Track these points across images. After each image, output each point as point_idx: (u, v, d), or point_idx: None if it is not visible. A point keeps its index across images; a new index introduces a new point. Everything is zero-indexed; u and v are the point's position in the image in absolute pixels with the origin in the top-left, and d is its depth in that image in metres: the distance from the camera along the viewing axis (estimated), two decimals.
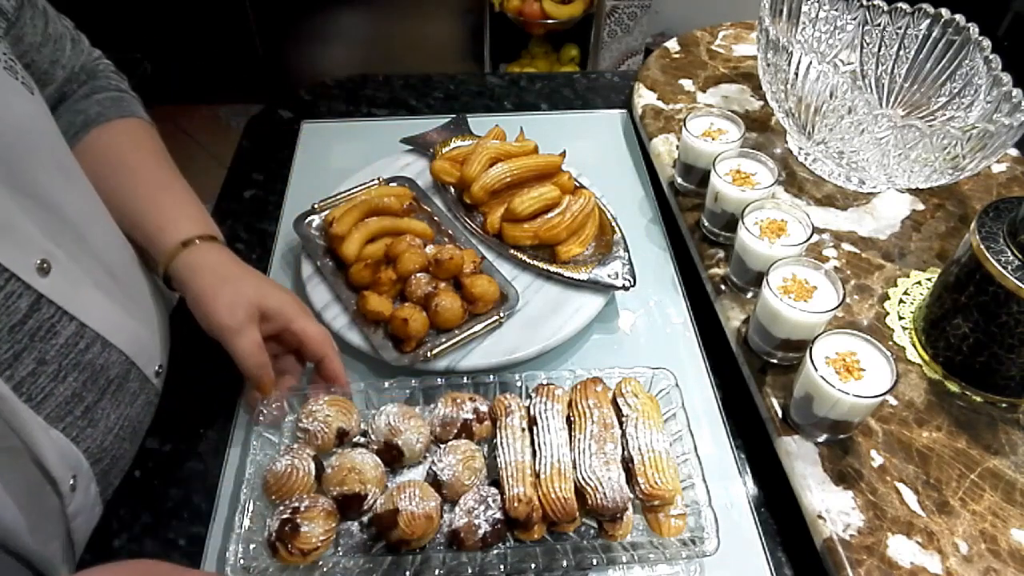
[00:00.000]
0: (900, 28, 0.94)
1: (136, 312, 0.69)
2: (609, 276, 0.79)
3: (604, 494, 0.59)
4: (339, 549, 0.61)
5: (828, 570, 0.60)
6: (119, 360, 0.64)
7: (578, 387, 0.68)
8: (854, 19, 0.96)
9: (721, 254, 0.83)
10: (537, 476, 0.61)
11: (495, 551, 0.60)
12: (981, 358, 0.68)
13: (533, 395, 0.67)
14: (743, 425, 0.73)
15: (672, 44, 1.15)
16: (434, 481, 0.63)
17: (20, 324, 0.55)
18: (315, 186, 0.90)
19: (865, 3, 0.94)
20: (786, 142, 0.97)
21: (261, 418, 0.65)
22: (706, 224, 0.85)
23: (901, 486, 0.63)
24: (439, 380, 0.69)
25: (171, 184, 0.73)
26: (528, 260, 0.82)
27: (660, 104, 1.03)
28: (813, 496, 0.62)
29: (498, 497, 0.61)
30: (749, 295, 0.78)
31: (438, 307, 0.72)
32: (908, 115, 0.95)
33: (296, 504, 0.59)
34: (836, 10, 0.96)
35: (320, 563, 0.59)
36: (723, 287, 0.80)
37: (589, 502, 0.60)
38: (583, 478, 0.61)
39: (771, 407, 0.69)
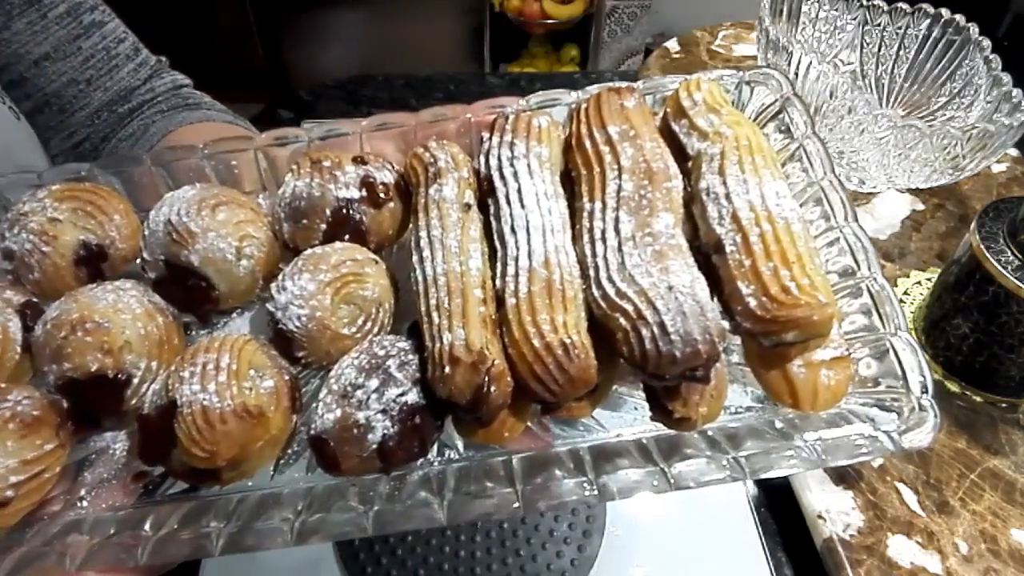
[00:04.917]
0: (900, 28, 0.94)
1: None
2: None
3: (661, 325, 0.28)
4: (85, 495, 0.32)
5: (828, 570, 0.60)
6: None
7: (585, 109, 0.35)
8: (854, 19, 0.96)
9: None
10: (500, 302, 0.31)
11: (417, 474, 0.31)
12: (981, 358, 0.68)
13: (487, 137, 0.36)
14: None
15: (672, 44, 1.15)
16: (277, 335, 0.33)
17: None
18: None
19: (865, 3, 0.94)
20: None
21: None
22: None
23: (901, 486, 0.63)
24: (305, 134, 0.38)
25: None
26: None
27: None
28: (813, 496, 0.62)
29: (411, 357, 0.31)
30: None
31: None
32: (908, 115, 0.95)
33: None
34: (836, 10, 0.96)
35: (33, 531, 0.31)
36: None
37: (623, 348, 0.29)
38: (607, 294, 0.29)
39: None
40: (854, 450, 0.30)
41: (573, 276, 0.31)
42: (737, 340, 0.33)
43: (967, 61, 0.89)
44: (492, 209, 0.34)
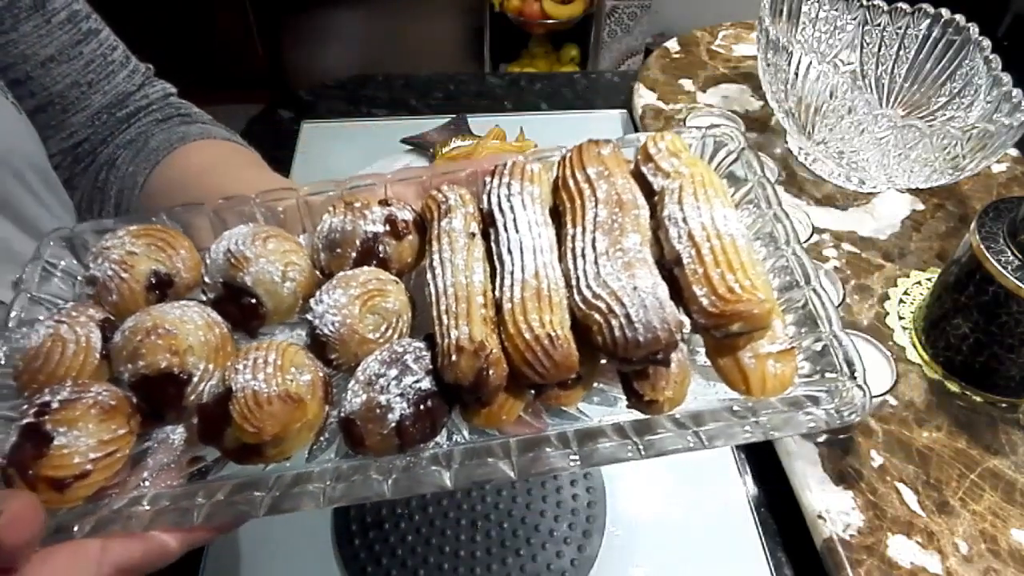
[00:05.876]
0: (900, 28, 0.94)
1: None
2: None
3: (627, 316, 0.34)
4: (147, 476, 0.38)
5: (828, 570, 0.60)
6: None
7: (569, 157, 0.43)
8: (854, 19, 0.96)
9: None
10: (498, 308, 0.38)
11: (430, 451, 0.37)
12: (981, 358, 0.68)
13: (489, 180, 0.43)
14: None
15: (672, 44, 1.15)
16: (313, 340, 0.40)
17: None
18: None
19: (865, 3, 0.94)
20: (786, 142, 0.97)
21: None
22: None
23: (901, 486, 0.63)
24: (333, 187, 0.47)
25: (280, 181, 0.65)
26: None
27: (660, 104, 1.03)
28: (813, 496, 0.62)
29: (425, 353, 0.38)
30: None
31: None
32: (908, 115, 0.95)
33: (47, 399, 0.36)
34: (836, 10, 0.96)
35: (105, 503, 0.37)
36: None
37: (597, 338, 0.35)
38: (586, 297, 0.36)
39: None
40: (798, 425, 0.36)
41: (559, 286, 0.38)
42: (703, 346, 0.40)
43: (967, 61, 0.89)
44: (493, 236, 0.41)
